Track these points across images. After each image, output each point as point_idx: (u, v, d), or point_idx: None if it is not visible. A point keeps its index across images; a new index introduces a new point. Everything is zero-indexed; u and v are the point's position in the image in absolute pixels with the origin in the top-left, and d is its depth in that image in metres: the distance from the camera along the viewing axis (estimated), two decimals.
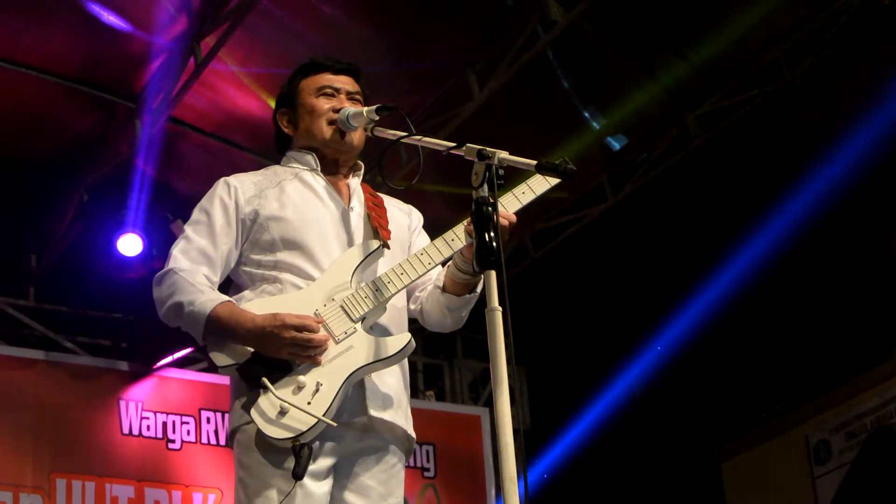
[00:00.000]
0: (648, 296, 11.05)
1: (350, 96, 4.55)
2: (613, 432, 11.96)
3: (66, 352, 10.12)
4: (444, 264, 4.40)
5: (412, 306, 4.57)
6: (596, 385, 11.95)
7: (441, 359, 12.04)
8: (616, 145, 10.09)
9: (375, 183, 4.66)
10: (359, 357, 4.15)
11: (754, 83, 9.29)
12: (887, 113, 9.16)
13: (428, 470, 11.12)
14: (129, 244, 9.29)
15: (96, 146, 9.37)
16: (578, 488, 12.14)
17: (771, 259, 10.30)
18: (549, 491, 11.72)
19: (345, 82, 4.58)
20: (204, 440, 10.21)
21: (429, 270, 4.31)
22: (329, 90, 4.54)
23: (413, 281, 4.30)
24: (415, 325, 4.56)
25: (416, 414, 4.50)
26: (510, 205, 4.32)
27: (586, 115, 9.74)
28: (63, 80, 8.87)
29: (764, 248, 10.25)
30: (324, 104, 4.52)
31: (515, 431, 3.46)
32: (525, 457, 3.54)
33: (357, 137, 4.52)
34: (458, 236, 4.30)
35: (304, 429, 4.03)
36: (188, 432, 10.17)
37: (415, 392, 11.17)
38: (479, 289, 4.37)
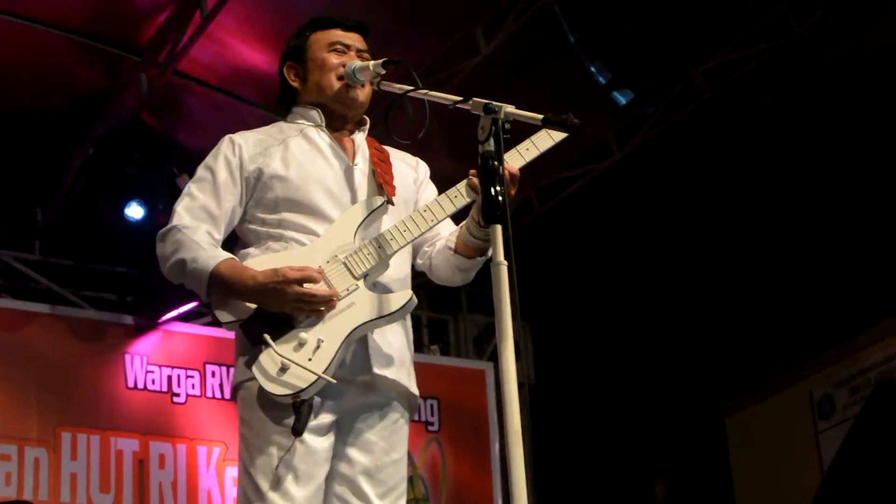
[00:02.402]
0: (654, 250, 11.05)
1: (359, 53, 4.55)
2: (617, 387, 11.98)
3: (71, 305, 10.13)
4: (455, 221, 4.41)
5: (420, 260, 4.59)
6: (600, 340, 11.97)
7: (446, 313, 12.04)
8: (622, 100, 10.06)
9: (381, 136, 4.65)
10: (360, 314, 4.17)
11: (762, 37, 9.24)
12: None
13: (432, 424, 11.14)
14: (134, 210, 9.36)
15: (102, 100, 9.36)
16: (581, 443, 12.17)
17: (776, 211, 10.28)
18: (552, 446, 11.74)
19: (355, 39, 4.59)
20: (209, 394, 10.22)
21: (431, 227, 4.33)
22: (340, 46, 4.55)
23: (416, 238, 4.32)
24: (419, 280, 4.56)
25: (421, 368, 4.52)
26: (514, 161, 4.31)
27: (593, 69, 9.71)
28: (68, 33, 8.86)
29: (770, 202, 10.22)
30: (334, 59, 4.52)
31: (520, 386, 3.47)
32: (529, 411, 3.56)
33: (364, 94, 4.54)
34: (461, 193, 4.32)
35: (305, 385, 4.06)
36: (193, 386, 10.18)
37: (419, 346, 11.19)
38: (489, 252, 4.35)
